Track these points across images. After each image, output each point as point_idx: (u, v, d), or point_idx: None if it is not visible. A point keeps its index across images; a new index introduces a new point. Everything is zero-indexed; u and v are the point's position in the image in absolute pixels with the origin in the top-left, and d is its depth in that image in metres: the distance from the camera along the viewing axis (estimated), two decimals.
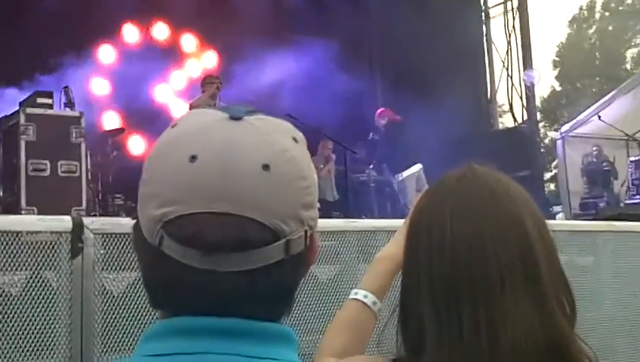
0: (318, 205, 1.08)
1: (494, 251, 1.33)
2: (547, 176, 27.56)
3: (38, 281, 2.42)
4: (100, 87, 11.84)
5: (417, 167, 11.35)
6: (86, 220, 2.41)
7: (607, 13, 44.29)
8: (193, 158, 0.95)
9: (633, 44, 43.23)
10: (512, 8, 15.06)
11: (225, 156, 0.95)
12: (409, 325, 1.42)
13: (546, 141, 33.12)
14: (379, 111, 11.66)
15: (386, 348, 1.54)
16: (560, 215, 15.04)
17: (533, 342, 1.30)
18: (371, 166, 11.46)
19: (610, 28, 43.52)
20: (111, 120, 11.51)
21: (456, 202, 1.39)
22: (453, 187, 1.42)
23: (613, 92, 15.95)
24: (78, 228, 2.41)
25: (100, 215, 8.17)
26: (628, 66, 41.47)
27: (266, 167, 0.96)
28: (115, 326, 2.46)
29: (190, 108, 9.92)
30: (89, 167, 8.35)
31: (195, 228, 0.93)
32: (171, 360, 0.95)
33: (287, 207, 0.98)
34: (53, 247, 2.39)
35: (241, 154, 0.96)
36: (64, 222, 2.43)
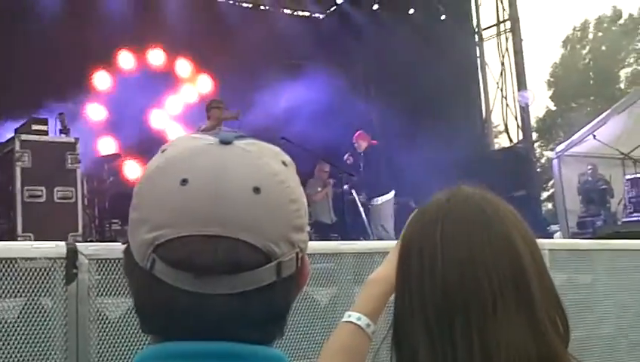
0: (308, 228, 1.08)
1: (487, 275, 1.33)
2: (544, 195, 27.60)
3: (34, 307, 2.41)
4: (95, 112, 11.87)
5: (391, 194, 11.26)
6: (80, 246, 2.41)
7: (599, 34, 44.56)
8: (184, 182, 0.95)
9: (627, 63, 43.47)
10: (505, 30, 15.17)
11: (216, 180, 0.95)
12: (403, 348, 1.41)
13: (543, 160, 33.21)
14: (357, 133, 11.53)
15: None
16: (557, 234, 15.04)
17: (527, 360, 1.29)
18: (345, 187, 11.29)
19: (604, 48, 43.77)
20: (107, 145, 11.53)
21: (447, 225, 1.38)
22: (444, 209, 1.41)
23: (607, 111, 16.00)
24: (72, 253, 2.40)
25: (97, 240, 8.16)
26: (622, 85, 41.67)
27: (256, 190, 0.96)
28: (111, 351, 2.44)
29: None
30: (85, 192, 8.34)
31: (187, 251, 0.93)
32: None
33: (278, 229, 0.98)
34: (48, 273, 2.38)
35: (231, 177, 0.96)
36: (58, 248, 2.42)
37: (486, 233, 1.36)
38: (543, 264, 1.40)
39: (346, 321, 1.69)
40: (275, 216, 0.98)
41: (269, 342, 1.02)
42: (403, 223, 1.53)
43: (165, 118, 12.56)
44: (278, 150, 1.06)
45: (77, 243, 2.41)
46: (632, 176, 14.26)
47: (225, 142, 1.00)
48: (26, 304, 2.44)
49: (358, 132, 11.51)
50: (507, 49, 14.87)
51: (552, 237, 13.49)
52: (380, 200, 11.19)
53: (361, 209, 11.10)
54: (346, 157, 11.53)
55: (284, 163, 1.04)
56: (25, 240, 6.15)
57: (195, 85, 13.02)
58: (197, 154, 0.99)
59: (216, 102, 10.19)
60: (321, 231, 11.33)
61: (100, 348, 2.40)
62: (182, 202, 0.95)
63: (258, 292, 0.96)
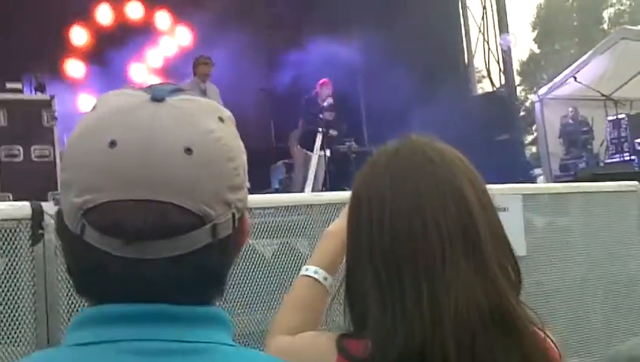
0: (248, 185, 1.06)
1: (434, 221, 1.33)
2: (529, 138, 27.64)
3: (2, 268, 2.41)
4: (74, 69, 11.74)
5: None
6: (46, 206, 2.40)
7: None
8: (112, 144, 0.92)
9: (610, 3, 43.19)
10: None
11: (145, 141, 0.92)
12: (354, 300, 1.42)
13: (527, 104, 33.17)
14: (322, 82, 11.19)
15: (335, 324, 1.56)
16: (541, 178, 15.11)
17: (475, 309, 1.30)
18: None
19: None
20: (86, 102, 11.43)
21: (395, 174, 1.39)
22: (392, 158, 1.42)
23: (589, 53, 15.95)
24: (37, 214, 2.40)
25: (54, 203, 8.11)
26: (605, 26, 41.46)
27: (188, 150, 0.93)
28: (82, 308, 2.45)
29: None
30: (65, 150, 8.30)
31: (116, 217, 0.91)
32: (95, 349, 0.93)
33: (213, 190, 0.95)
34: (13, 234, 2.38)
35: (162, 138, 0.93)
36: (23, 208, 2.42)
37: (433, 181, 1.36)
38: (493, 210, 1.41)
39: (303, 275, 1.70)
40: (209, 176, 0.95)
41: (207, 303, 1.00)
42: None
43: (145, 71, 12.45)
44: (215, 105, 1.04)
45: (42, 203, 2.41)
46: (614, 118, 14.29)
47: (157, 98, 0.97)
48: None
49: (322, 80, 11.22)
50: None
51: (536, 181, 13.57)
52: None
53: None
54: (326, 103, 11.12)
55: (221, 119, 1.00)
56: (3, 200, 6.13)
57: (174, 37, 12.87)
58: (126, 114, 0.95)
59: (203, 58, 10.17)
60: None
61: (70, 306, 2.42)
62: (111, 165, 0.92)
63: (193, 255, 0.94)
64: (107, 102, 0.99)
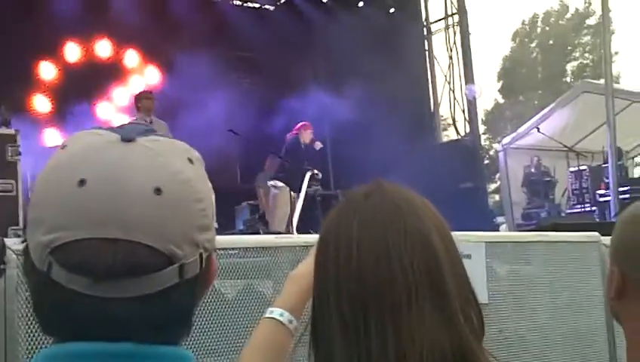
0: (216, 225, 1.07)
1: (401, 265, 1.33)
2: (492, 187, 27.95)
3: None
4: (41, 104, 11.69)
5: None
6: (8, 241, 2.36)
7: (547, 28, 45.23)
8: (82, 183, 0.92)
9: (573, 57, 44.20)
10: (453, 23, 15.29)
11: (114, 180, 0.93)
12: (319, 343, 1.41)
13: (491, 153, 33.60)
14: (302, 124, 11.23)
15: None
16: (503, 226, 15.26)
17: (439, 354, 1.29)
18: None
19: (551, 42, 44.44)
20: (52, 137, 11.35)
21: (363, 217, 1.38)
22: (361, 203, 1.41)
23: (552, 105, 16.27)
24: None
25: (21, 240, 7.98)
26: (568, 79, 42.37)
27: (157, 190, 0.94)
28: (42, 348, 2.41)
29: None
30: (28, 186, 8.21)
31: (84, 255, 0.91)
32: None
33: (181, 230, 0.96)
34: None
35: (131, 178, 0.93)
36: None
37: (402, 227, 1.36)
38: (458, 258, 1.40)
39: (268, 317, 1.69)
40: (177, 217, 0.95)
41: (174, 343, 1.00)
42: None
43: (112, 109, 12.42)
44: (185, 146, 1.04)
45: (5, 239, 2.38)
46: (576, 169, 14.54)
47: (127, 139, 0.97)
48: None
49: (303, 123, 11.30)
50: (455, 42, 15.00)
51: (499, 229, 13.69)
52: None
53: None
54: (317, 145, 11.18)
55: (190, 160, 1.01)
56: None
57: (143, 76, 12.89)
58: (96, 153, 0.96)
59: (146, 93, 10.20)
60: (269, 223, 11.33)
61: (30, 344, 2.37)
62: (79, 204, 0.92)
63: (160, 294, 0.94)
64: (78, 141, 1.00)
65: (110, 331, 0.93)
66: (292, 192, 10.62)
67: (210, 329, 3.00)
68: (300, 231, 9.59)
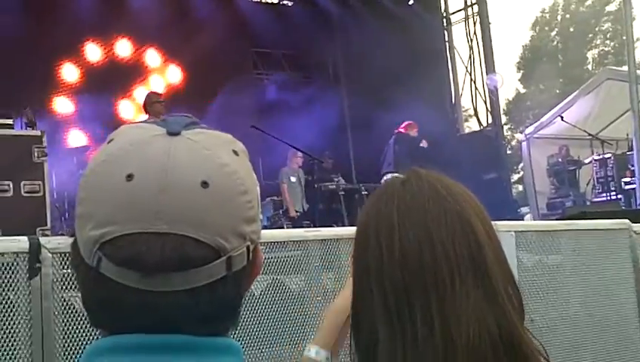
0: (261, 217, 1.08)
1: (443, 249, 1.34)
2: (515, 177, 27.81)
3: (0, 302, 2.40)
4: (63, 105, 11.78)
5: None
6: (43, 240, 2.39)
7: (567, 15, 44.88)
8: (129, 177, 0.93)
9: (594, 44, 43.85)
10: (473, 14, 15.21)
11: (162, 174, 0.93)
12: (361, 328, 1.41)
13: (513, 143, 33.44)
14: (409, 123, 11.96)
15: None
16: (528, 216, 15.18)
17: (487, 337, 1.30)
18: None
19: (572, 29, 44.11)
20: (76, 138, 11.44)
21: (403, 206, 1.39)
22: (399, 190, 1.42)
23: (575, 93, 16.14)
24: (35, 248, 2.39)
25: (68, 233, 8.06)
26: (590, 67, 42.04)
27: (204, 183, 0.94)
28: (78, 344, 2.44)
29: None
30: (54, 186, 8.27)
31: (134, 250, 0.91)
32: None
33: (228, 223, 0.96)
34: (11, 268, 2.37)
35: (178, 171, 0.94)
36: (21, 242, 2.41)
37: (442, 211, 1.37)
38: (498, 241, 1.41)
39: (307, 356, 1.67)
40: (224, 209, 0.96)
41: (222, 334, 1.01)
42: None
43: (134, 108, 12.49)
44: (229, 138, 1.04)
45: (40, 238, 2.40)
46: (600, 157, 14.42)
47: (172, 132, 0.98)
48: None
49: (409, 122, 11.92)
50: (475, 33, 14.92)
51: (523, 219, 13.61)
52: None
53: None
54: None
55: (235, 152, 1.02)
56: None
57: (164, 76, 12.94)
58: (142, 147, 0.96)
59: (156, 95, 9.67)
60: (292, 219, 11.37)
61: (66, 341, 2.39)
62: (127, 198, 0.92)
63: (208, 287, 0.94)
64: (123, 135, 1.01)
65: (159, 324, 0.94)
66: None
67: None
68: (323, 225, 9.61)
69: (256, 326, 3.08)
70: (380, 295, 1.36)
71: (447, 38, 15.66)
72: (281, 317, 3.19)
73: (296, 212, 11.67)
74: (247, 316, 3.07)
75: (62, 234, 7.62)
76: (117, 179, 0.94)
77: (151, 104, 9.33)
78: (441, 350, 1.29)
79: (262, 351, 3.07)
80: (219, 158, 0.98)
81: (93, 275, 0.94)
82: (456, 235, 1.35)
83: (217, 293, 0.96)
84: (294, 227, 10.04)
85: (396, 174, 1.49)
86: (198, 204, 0.93)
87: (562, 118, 14.42)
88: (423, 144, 11.72)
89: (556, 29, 45.28)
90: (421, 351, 1.30)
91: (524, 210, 16.10)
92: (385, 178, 11.16)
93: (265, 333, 3.09)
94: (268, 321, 3.13)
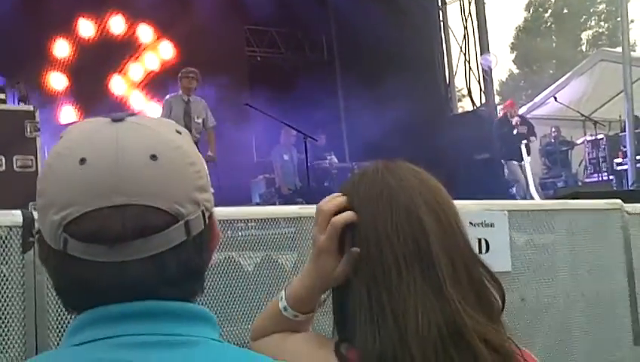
0: (212, 190, 1.13)
1: (389, 241, 1.40)
2: None
3: None
4: (56, 81, 11.71)
5: None
6: (37, 214, 2.39)
7: None
8: (82, 161, 0.99)
9: (588, 25, 43.80)
10: None
11: (113, 153, 1.00)
12: (338, 315, 1.49)
13: None
14: (509, 102, 13.32)
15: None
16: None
17: (434, 327, 1.34)
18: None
19: (566, 10, 44.03)
20: (68, 114, 11.40)
21: (356, 203, 1.46)
22: (355, 187, 1.49)
23: (568, 74, 16.15)
24: (29, 222, 2.39)
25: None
26: (584, 48, 42.02)
27: (153, 157, 1.01)
28: (71, 319, 2.43)
29: (163, 104, 9.87)
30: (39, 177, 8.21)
31: (96, 224, 0.97)
32: (95, 346, 0.98)
33: (181, 190, 1.03)
34: (4, 242, 2.36)
35: (128, 149, 1.01)
36: (14, 216, 2.41)
37: (388, 206, 1.43)
38: (454, 229, 1.45)
39: (279, 299, 1.62)
40: (175, 178, 1.03)
41: (191, 298, 1.07)
42: None
43: (126, 84, 12.43)
44: (171, 122, 1.13)
45: (34, 212, 2.40)
46: (593, 138, 14.46)
47: (116, 119, 1.05)
48: None
49: (509, 101, 12.99)
50: (470, 13, 14.86)
51: (515, 199, 13.63)
52: None
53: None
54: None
55: (178, 132, 1.09)
56: None
57: (157, 52, 12.87)
58: (91, 135, 1.03)
59: (186, 71, 10.02)
60: (286, 196, 11.37)
61: (59, 315, 2.40)
62: (84, 180, 0.99)
63: (171, 252, 1.01)
64: (73, 130, 1.08)
65: (130, 293, 1.00)
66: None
67: (230, 300, 3.02)
68: (315, 203, 9.61)
69: (248, 301, 3.10)
70: (356, 282, 1.42)
71: (441, 18, 15.59)
72: (273, 293, 3.19)
73: (289, 190, 11.67)
74: (238, 291, 3.09)
75: None
76: (71, 165, 1.00)
77: (181, 79, 9.86)
78: (397, 339, 1.34)
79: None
80: (164, 135, 1.06)
81: (61, 258, 1.00)
82: (401, 227, 1.41)
83: (181, 258, 1.02)
84: (286, 204, 10.03)
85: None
86: (150, 175, 1.00)
87: (556, 98, 14.44)
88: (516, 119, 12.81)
89: (550, 10, 45.18)
90: (382, 339, 1.35)
91: (515, 190, 16.12)
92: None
93: (257, 308, 3.10)
94: (259, 297, 3.14)
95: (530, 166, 13.23)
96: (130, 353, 0.97)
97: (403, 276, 1.37)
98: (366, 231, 1.42)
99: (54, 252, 1.00)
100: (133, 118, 1.07)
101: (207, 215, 1.07)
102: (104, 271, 0.98)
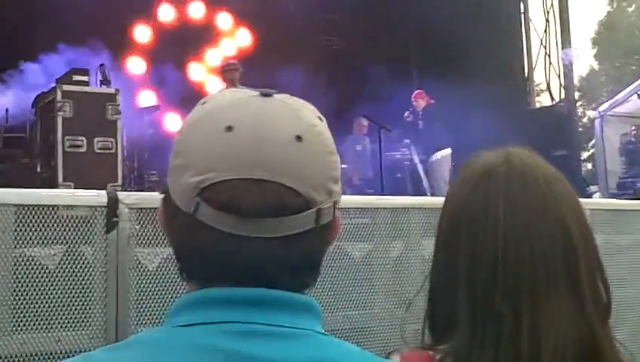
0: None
1: (541, 250, 1.30)
2: (584, 155, 27.20)
3: (75, 255, 2.45)
4: (136, 66, 11.93)
5: (448, 150, 11.27)
6: (121, 195, 2.43)
7: None
8: (229, 128, 0.98)
9: None
10: None
11: (260, 127, 0.98)
12: (437, 318, 1.39)
13: (584, 120, 32.68)
14: (416, 92, 11.61)
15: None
16: (597, 194, 14.85)
17: (572, 347, 1.27)
18: (405, 144, 11.46)
19: None
20: (147, 98, 11.60)
21: (510, 199, 1.34)
22: (504, 180, 1.36)
23: None
24: (113, 202, 2.43)
25: (136, 191, 8.25)
26: None
27: (298, 138, 0.99)
28: (150, 299, 2.48)
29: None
30: (125, 143, 8.42)
31: (233, 194, 0.96)
32: (199, 329, 0.96)
33: (318, 177, 1.01)
34: (88, 222, 2.41)
35: (274, 125, 0.99)
36: (100, 196, 2.45)
37: (544, 221, 1.32)
38: (591, 238, 1.37)
39: None
40: (315, 164, 1.01)
41: (303, 290, 1.03)
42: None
43: (204, 71, 12.58)
44: (313, 107, 1.09)
45: (118, 193, 2.44)
46: None
47: (265, 94, 1.03)
48: (67, 251, 2.48)
49: (417, 91, 11.69)
50: (552, 5, 14.55)
51: (592, 198, 13.33)
52: (440, 155, 11.23)
53: (420, 166, 11.17)
54: (406, 114, 11.76)
55: (320, 118, 1.07)
56: (65, 188, 6.22)
57: (235, 39, 12.99)
58: (240, 105, 1.02)
59: (229, 64, 10.04)
60: (357, 186, 11.36)
61: (139, 295, 2.44)
62: (227, 147, 0.97)
63: (298, 237, 0.98)
64: (218, 97, 1.06)
65: (250, 275, 0.97)
66: None
67: (337, 285, 3.04)
68: (386, 194, 9.59)
69: (353, 287, 3.11)
70: (467, 289, 1.32)
71: (522, 10, 15.30)
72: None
73: (360, 180, 11.65)
74: (345, 277, 3.10)
75: (130, 191, 7.76)
76: (217, 130, 0.98)
77: (224, 72, 9.87)
78: (526, 351, 1.26)
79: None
80: (309, 119, 1.04)
81: (188, 222, 0.98)
82: (554, 238, 1.31)
83: (305, 245, 1.00)
84: (357, 195, 10.03)
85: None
86: (294, 155, 0.98)
87: (639, 95, 14.00)
88: (408, 118, 11.80)
89: (634, 5, 43.84)
90: (503, 348, 1.27)
91: (592, 188, 15.76)
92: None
93: (332, 297, 3.11)
94: (365, 284, 3.14)
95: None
96: (232, 342, 0.95)
97: (551, 288, 1.29)
98: (519, 236, 1.31)
99: (183, 214, 0.98)
100: (281, 95, 1.05)
101: (336, 206, 1.04)
102: (229, 244, 0.96)
